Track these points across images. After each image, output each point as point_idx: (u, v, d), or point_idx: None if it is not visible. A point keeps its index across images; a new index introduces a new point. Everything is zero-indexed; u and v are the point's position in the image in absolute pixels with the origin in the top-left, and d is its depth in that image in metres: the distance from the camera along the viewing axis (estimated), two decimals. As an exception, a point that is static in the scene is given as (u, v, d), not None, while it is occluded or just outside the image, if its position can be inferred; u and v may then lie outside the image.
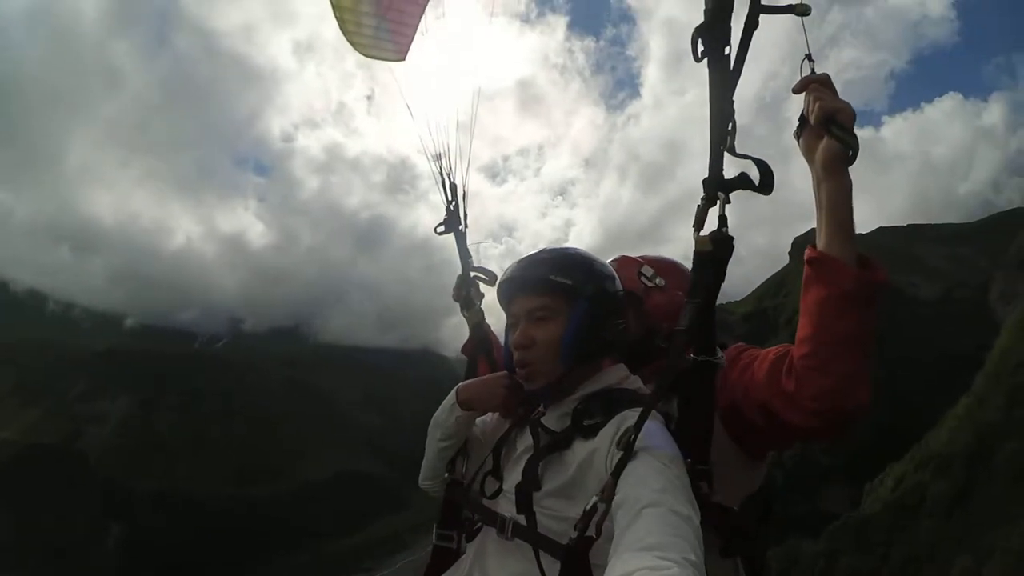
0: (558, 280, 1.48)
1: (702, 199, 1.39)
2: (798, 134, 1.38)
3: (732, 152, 1.34)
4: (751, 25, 1.30)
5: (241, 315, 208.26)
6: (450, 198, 2.27)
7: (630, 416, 1.35)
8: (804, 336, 1.30)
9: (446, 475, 1.77)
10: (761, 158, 1.32)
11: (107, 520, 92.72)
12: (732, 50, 1.32)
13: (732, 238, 1.37)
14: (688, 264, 1.71)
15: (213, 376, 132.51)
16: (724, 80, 1.33)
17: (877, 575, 15.43)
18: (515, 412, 1.65)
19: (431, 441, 1.77)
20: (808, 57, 1.34)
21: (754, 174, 1.34)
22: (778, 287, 66.07)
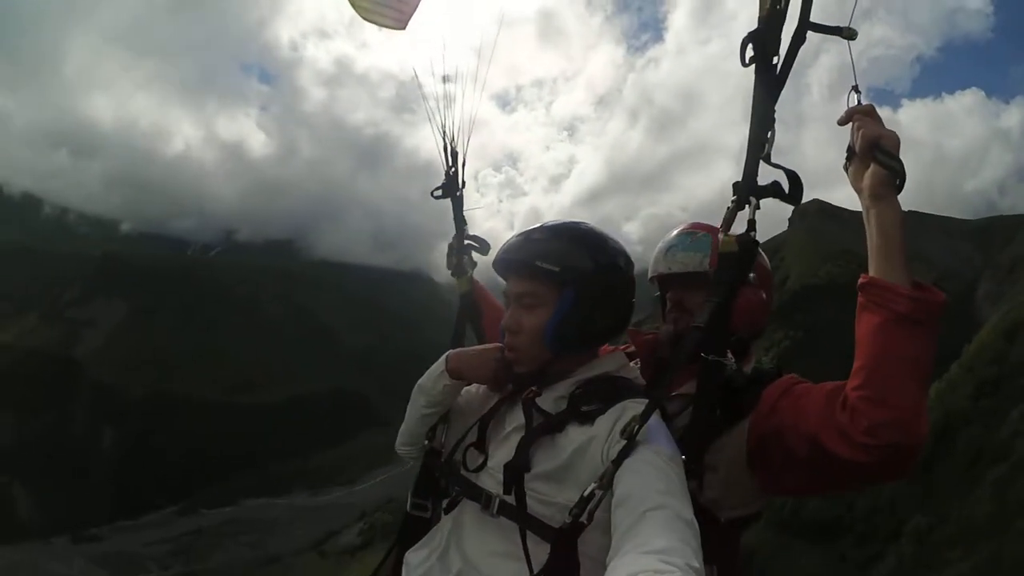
0: (544, 267, 1.44)
1: (732, 201, 1.40)
2: (847, 166, 1.37)
3: (767, 160, 1.35)
4: (799, 39, 1.32)
5: (236, 225, 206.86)
6: (450, 163, 2.21)
7: (632, 406, 1.35)
8: (858, 367, 1.24)
9: (425, 442, 1.70)
10: (793, 170, 1.33)
11: (101, 424, 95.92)
12: (779, 60, 1.34)
13: (758, 243, 1.38)
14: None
15: (206, 286, 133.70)
16: (769, 89, 1.34)
17: (841, 520, 17.17)
18: (505, 387, 1.60)
19: (414, 406, 1.68)
20: (855, 88, 1.33)
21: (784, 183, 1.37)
22: (774, 252, 66.73)
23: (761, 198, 1.36)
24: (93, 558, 70.44)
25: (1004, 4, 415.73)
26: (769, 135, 1.34)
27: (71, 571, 67.00)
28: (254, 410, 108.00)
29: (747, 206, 1.38)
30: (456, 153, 2.20)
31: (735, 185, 1.40)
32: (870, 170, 1.28)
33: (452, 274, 2.22)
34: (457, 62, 2.12)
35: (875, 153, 1.26)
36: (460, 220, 2.23)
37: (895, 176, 1.24)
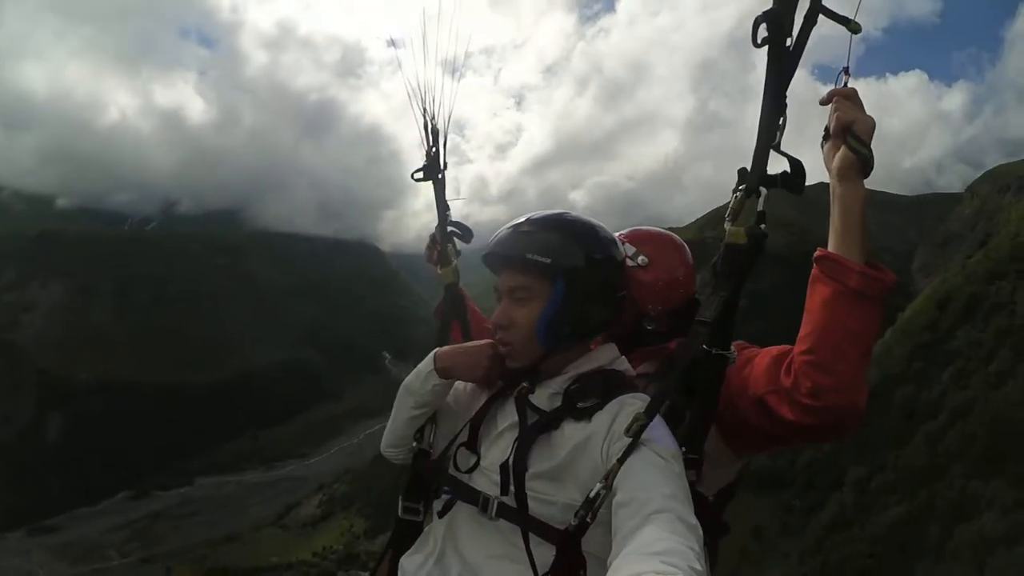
0: (535, 259, 1.39)
1: (740, 190, 1.36)
2: (823, 144, 1.38)
3: (777, 149, 1.34)
4: (811, 21, 1.31)
5: (176, 197, 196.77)
6: (431, 143, 2.08)
7: (630, 402, 1.33)
8: (805, 333, 1.29)
9: (414, 444, 1.63)
10: (798, 159, 1.33)
11: (47, 411, 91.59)
12: (792, 42, 1.32)
13: (766, 235, 1.35)
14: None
15: (146, 261, 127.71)
16: (781, 71, 1.33)
17: (784, 474, 18.39)
18: (496, 385, 1.55)
19: (401, 407, 1.61)
20: (845, 70, 1.37)
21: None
22: (719, 221, 68.85)
23: (771, 187, 1.34)
24: (51, 549, 68.69)
25: None
26: (781, 121, 1.33)
27: (30, 565, 64.90)
28: (203, 388, 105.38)
29: (755, 195, 1.34)
30: (437, 132, 2.06)
31: (742, 172, 1.37)
32: (841, 152, 1.31)
33: (435, 264, 2.07)
34: (436, 38, 1.95)
35: (847, 137, 1.29)
36: (442, 205, 2.06)
37: (863, 161, 1.28)
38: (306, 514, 67.77)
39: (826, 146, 1.37)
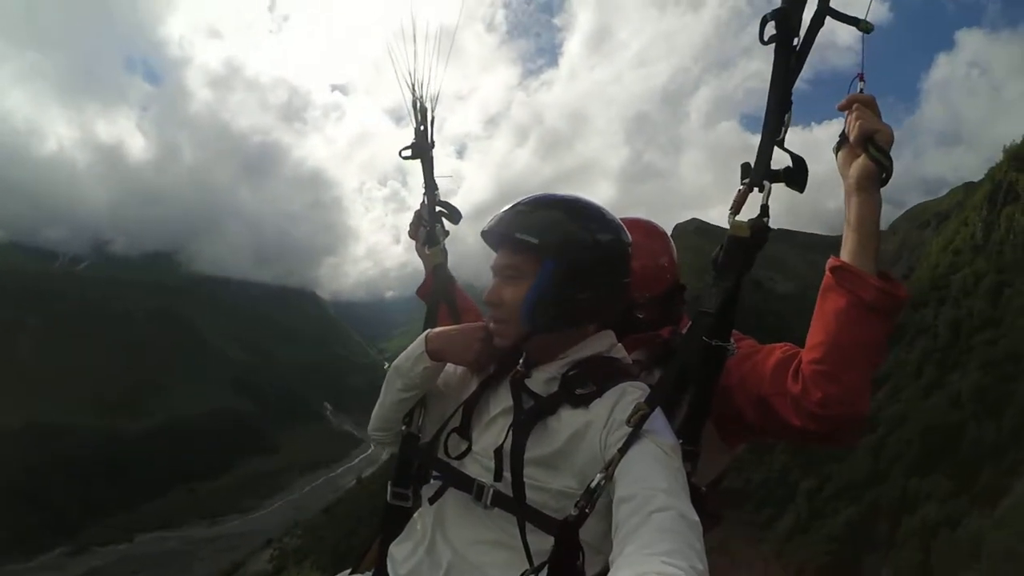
0: (523, 238, 1.37)
1: (744, 184, 1.34)
2: (837, 149, 1.38)
3: (780, 145, 1.33)
4: (818, 22, 1.31)
5: (110, 235, 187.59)
6: (419, 121, 2.03)
7: (630, 391, 1.31)
8: (817, 342, 1.29)
9: (402, 427, 1.60)
10: (800, 156, 1.32)
11: None
12: (799, 42, 1.32)
13: (770, 229, 1.34)
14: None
15: (76, 300, 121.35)
16: (788, 70, 1.32)
17: (741, 491, 19.42)
18: (488, 369, 1.52)
19: (389, 390, 1.57)
20: (860, 76, 1.33)
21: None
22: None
23: (774, 182, 1.33)
24: (-18, 610, 61.65)
25: (871, 41, 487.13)
26: (786, 118, 1.33)
27: (-41, 628, 57.76)
28: (134, 435, 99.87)
29: (759, 190, 1.34)
30: (425, 110, 2.01)
31: (745, 167, 1.36)
32: (859, 161, 1.29)
33: (420, 243, 2.03)
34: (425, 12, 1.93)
35: (868, 147, 1.27)
36: (431, 184, 2.01)
37: (883, 171, 1.27)
38: (256, 570, 63.61)
39: (841, 153, 1.36)
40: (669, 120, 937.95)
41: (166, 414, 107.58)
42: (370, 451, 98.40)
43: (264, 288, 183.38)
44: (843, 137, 1.36)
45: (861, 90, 1.35)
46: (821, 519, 13.98)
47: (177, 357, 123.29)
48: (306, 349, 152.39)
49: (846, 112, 1.35)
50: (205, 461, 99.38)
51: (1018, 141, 17.58)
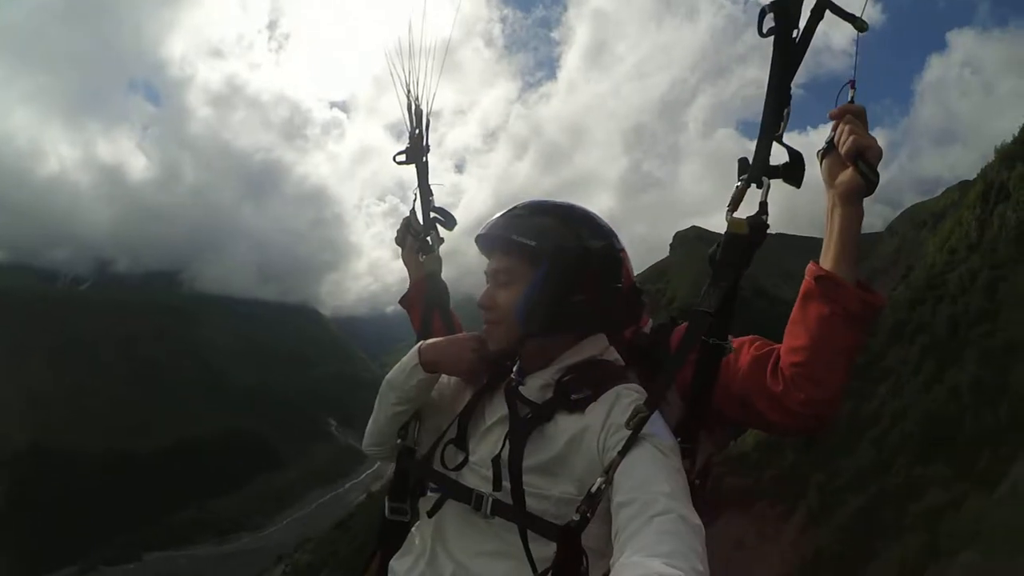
0: (519, 240, 1.38)
1: (742, 180, 1.33)
2: (823, 156, 1.36)
3: (779, 140, 1.31)
4: (817, 15, 1.28)
5: (113, 255, 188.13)
6: (414, 125, 1.98)
7: (626, 393, 1.31)
8: (799, 345, 1.32)
9: (399, 441, 1.57)
10: (798, 151, 1.30)
11: None
12: (798, 34, 1.29)
13: (768, 225, 1.31)
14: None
15: (81, 322, 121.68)
16: (787, 63, 1.28)
17: (752, 489, 19.93)
18: (482, 379, 1.52)
19: (383, 404, 1.56)
20: (851, 84, 1.31)
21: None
22: (659, 275, 71.67)
23: (773, 178, 1.31)
24: (-9, 627, 61.65)
25: (865, 45, 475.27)
26: (785, 112, 1.30)
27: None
28: (144, 456, 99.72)
29: (757, 186, 1.32)
30: (421, 112, 1.97)
31: (743, 162, 1.34)
32: (847, 174, 1.29)
33: (412, 250, 1.99)
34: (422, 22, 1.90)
35: (857, 161, 1.27)
36: (426, 189, 1.97)
37: (870, 187, 1.27)
38: (270, 587, 63.68)
39: (827, 161, 1.35)
40: (667, 129, 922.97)
41: (173, 433, 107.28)
42: (376, 466, 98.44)
43: (267, 305, 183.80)
44: (830, 145, 1.36)
45: (852, 99, 1.34)
46: (832, 510, 14.48)
47: (182, 376, 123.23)
48: (309, 366, 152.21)
49: (835, 120, 1.35)
50: (213, 479, 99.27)
51: (1009, 140, 18.13)
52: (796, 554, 14.89)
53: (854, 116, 1.33)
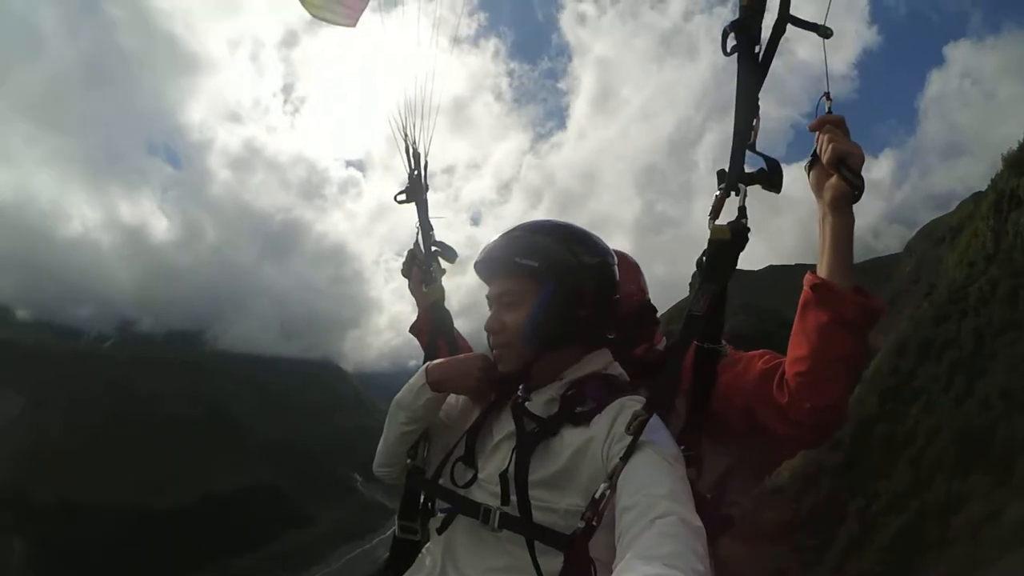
0: (523, 263, 1.40)
1: (720, 189, 1.39)
2: (809, 168, 1.40)
3: (752, 148, 1.36)
4: (779, 30, 1.33)
5: (136, 315, 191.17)
6: (413, 166, 2.09)
7: (629, 404, 1.33)
8: (801, 355, 1.33)
9: (408, 461, 1.61)
10: (775, 158, 1.34)
11: (9, 534, 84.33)
12: (760, 51, 1.34)
13: (749, 229, 1.36)
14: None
15: (102, 379, 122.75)
16: (752, 77, 1.34)
17: (792, 521, 19.44)
18: (488, 397, 1.55)
19: (392, 424, 1.60)
20: (827, 96, 1.36)
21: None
22: (681, 314, 70.95)
23: (750, 184, 1.36)
24: None
25: (867, 68, 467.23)
26: (754, 123, 1.34)
27: None
28: (165, 513, 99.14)
29: (735, 193, 1.36)
30: (418, 155, 2.08)
31: (720, 173, 1.39)
32: (833, 182, 1.33)
33: (417, 282, 2.08)
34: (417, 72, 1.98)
35: (840, 168, 1.30)
36: (426, 225, 2.08)
37: (856, 191, 1.30)
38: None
39: (813, 173, 1.39)
40: (677, 168, 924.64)
41: (197, 491, 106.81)
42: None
43: (289, 362, 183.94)
44: (815, 157, 1.39)
45: (829, 109, 1.39)
46: (873, 533, 14.17)
47: (204, 433, 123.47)
48: (333, 421, 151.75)
49: (816, 132, 1.39)
50: (238, 536, 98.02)
51: (1015, 148, 18.21)
52: (840, 579, 14.55)
53: (833, 125, 1.37)
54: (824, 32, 1.32)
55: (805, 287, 1.36)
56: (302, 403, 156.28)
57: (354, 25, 2.23)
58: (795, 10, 1.35)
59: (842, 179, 1.31)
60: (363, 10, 2.23)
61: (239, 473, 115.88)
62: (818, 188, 1.38)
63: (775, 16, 1.34)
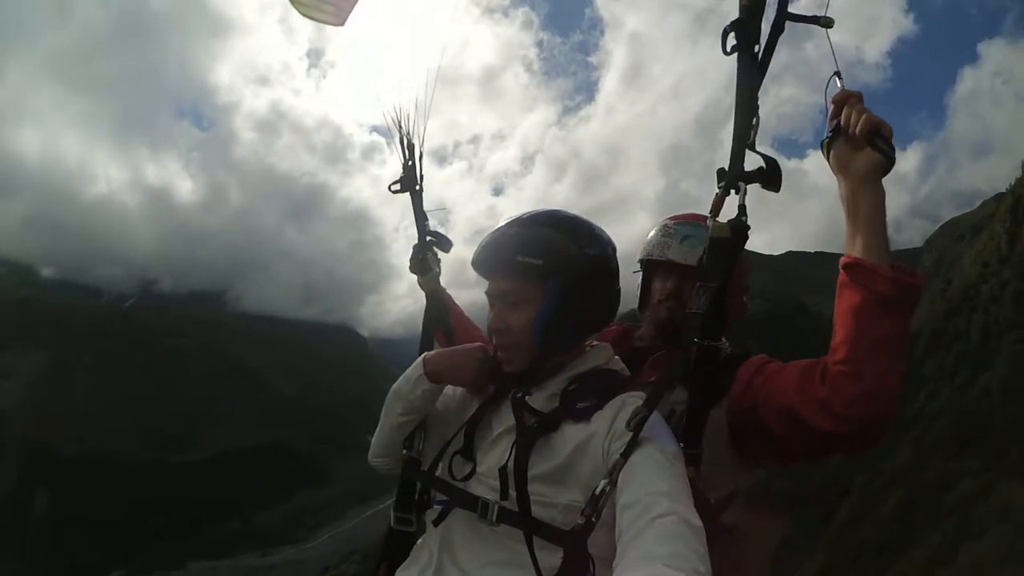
0: (526, 261, 1.35)
1: (720, 188, 1.37)
2: (829, 145, 1.33)
3: (751, 148, 1.34)
4: (778, 28, 1.32)
5: (158, 275, 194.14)
6: (407, 156, 2.04)
7: (630, 400, 1.31)
8: (838, 342, 1.26)
9: (404, 452, 1.56)
10: (773, 157, 1.32)
11: (34, 484, 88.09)
12: (760, 49, 1.33)
13: (749, 227, 1.33)
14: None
15: (125, 337, 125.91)
16: (752, 76, 1.33)
17: (799, 492, 20.84)
18: (486, 389, 1.50)
19: (388, 414, 1.54)
20: (837, 75, 1.31)
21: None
22: None
23: (749, 183, 1.34)
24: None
25: (900, 57, 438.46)
26: (754, 122, 1.33)
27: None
28: (185, 466, 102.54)
29: (735, 191, 1.35)
30: (413, 145, 2.05)
31: (720, 171, 1.38)
32: (864, 154, 1.27)
33: (416, 272, 2.06)
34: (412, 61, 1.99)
35: (876, 140, 1.24)
36: (420, 216, 2.07)
37: (889, 163, 1.25)
38: (317, 597, 64.55)
39: (838, 147, 1.32)
40: (703, 148, 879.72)
41: (217, 446, 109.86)
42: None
43: (307, 325, 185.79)
44: (838, 131, 1.32)
45: (842, 87, 1.32)
46: (873, 507, 15.61)
47: (224, 391, 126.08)
48: (350, 385, 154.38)
49: (832, 107, 1.32)
50: (257, 492, 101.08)
51: (1036, 154, 18.41)
52: (842, 548, 15.90)
53: (857, 99, 1.30)
54: (826, 22, 1.32)
55: (840, 268, 1.31)
56: (320, 365, 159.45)
57: (343, 24, 2.25)
58: (809, 2, 1.34)
59: (876, 150, 1.25)
60: (351, 10, 2.24)
61: (257, 430, 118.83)
62: (843, 164, 1.31)
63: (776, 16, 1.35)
